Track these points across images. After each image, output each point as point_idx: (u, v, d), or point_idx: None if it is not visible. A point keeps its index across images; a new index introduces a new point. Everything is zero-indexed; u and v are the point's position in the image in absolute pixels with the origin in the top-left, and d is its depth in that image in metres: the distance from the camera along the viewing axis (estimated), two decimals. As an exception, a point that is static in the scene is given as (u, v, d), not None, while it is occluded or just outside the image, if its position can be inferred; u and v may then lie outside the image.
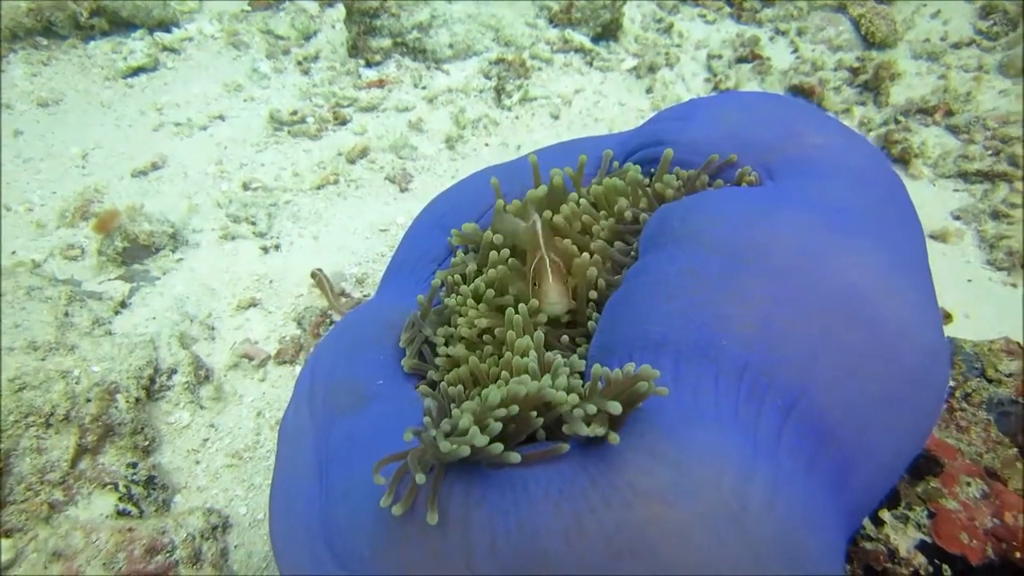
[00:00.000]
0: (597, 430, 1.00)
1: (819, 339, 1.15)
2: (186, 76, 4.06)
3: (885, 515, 1.48)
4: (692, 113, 1.66)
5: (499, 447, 1.01)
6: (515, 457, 1.02)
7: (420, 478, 1.00)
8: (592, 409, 1.00)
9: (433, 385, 1.50)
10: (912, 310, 1.22)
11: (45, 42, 4.18)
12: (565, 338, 1.43)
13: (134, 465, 2.16)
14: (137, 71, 4.06)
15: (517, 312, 1.42)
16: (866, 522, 1.46)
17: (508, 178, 1.77)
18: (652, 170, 1.63)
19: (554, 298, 1.37)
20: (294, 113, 3.70)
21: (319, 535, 1.19)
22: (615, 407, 0.98)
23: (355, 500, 1.14)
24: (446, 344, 1.52)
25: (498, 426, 1.02)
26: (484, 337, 1.48)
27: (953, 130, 4.03)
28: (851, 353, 1.15)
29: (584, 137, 1.99)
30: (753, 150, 1.52)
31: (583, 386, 1.10)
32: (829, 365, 1.14)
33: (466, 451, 0.99)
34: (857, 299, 1.19)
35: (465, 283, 1.59)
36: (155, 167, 3.43)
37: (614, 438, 0.99)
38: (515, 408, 1.05)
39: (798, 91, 4.19)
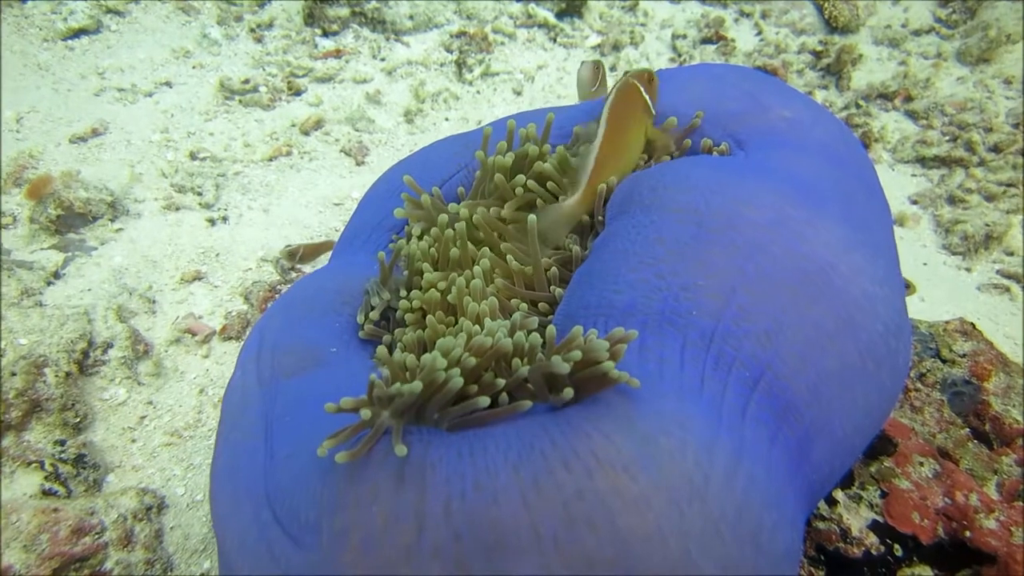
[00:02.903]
0: (562, 366, 0.99)
1: (782, 312, 1.15)
2: (131, 40, 3.89)
3: (839, 495, 1.48)
4: (660, 84, 1.63)
5: (459, 381, 0.99)
6: (484, 400, 1.00)
7: (365, 414, 0.98)
8: (576, 355, 0.99)
9: (390, 351, 1.46)
10: (875, 286, 1.22)
11: (-20, 1, 3.97)
12: (524, 306, 1.39)
13: (62, 443, 2.05)
14: (78, 33, 3.88)
15: (475, 276, 1.39)
16: (820, 502, 1.46)
17: (473, 147, 1.72)
18: None
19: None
20: (246, 82, 3.57)
21: (262, 498, 1.15)
22: (601, 345, 0.97)
23: (301, 461, 1.10)
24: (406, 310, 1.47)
25: (459, 380, 1.00)
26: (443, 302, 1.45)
27: (912, 115, 4.07)
28: (813, 327, 1.15)
29: (549, 107, 1.94)
30: (722, 121, 1.52)
31: (543, 347, 1.08)
32: (793, 338, 1.14)
33: (432, 375, 0.98)
34: (820, 273, 1.18)
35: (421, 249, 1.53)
36: (95, 133, 3.28)
37: (615, 373, 0.97)
38: (471, 360, 1.03)
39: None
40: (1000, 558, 1.35)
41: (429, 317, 1.39)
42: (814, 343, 1.15)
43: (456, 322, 1.40)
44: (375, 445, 1.00)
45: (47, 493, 1.94)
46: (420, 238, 1.56)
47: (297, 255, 2.42)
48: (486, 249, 1.47)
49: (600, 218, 1.44)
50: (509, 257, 1.43)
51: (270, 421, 1.29)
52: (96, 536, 1.83)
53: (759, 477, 1.04)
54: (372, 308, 1.48)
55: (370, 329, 1.47)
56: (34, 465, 1.98)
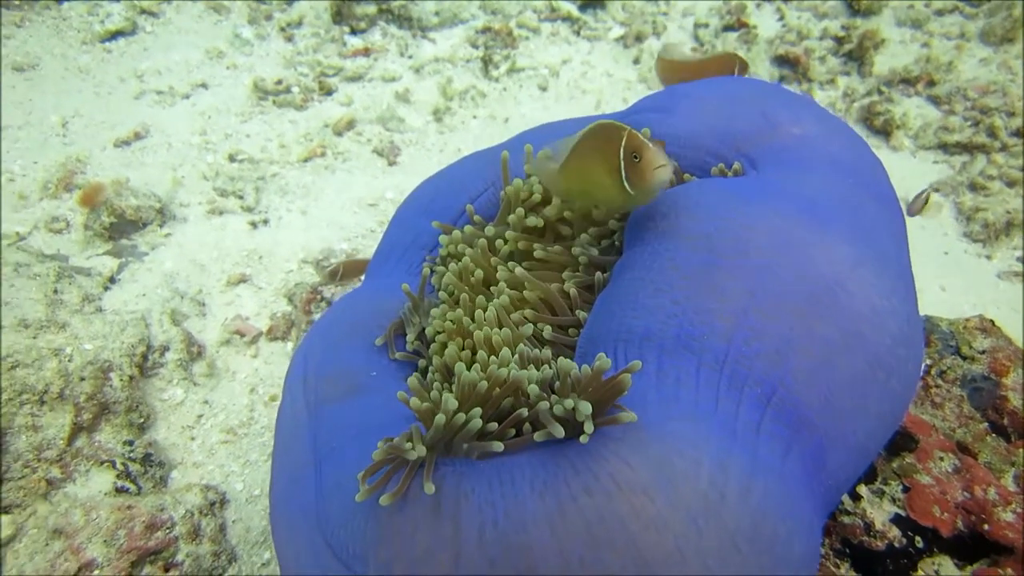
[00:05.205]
0: (557, 430, 1.04)
1: (792, 331, 1.19)
2: (166, 41, 3.98)
3: (862, 490, 1.52)
4: (673, 105, 1.65)
5: (477, 423, 1.06)
6: (497, 446, 1.07)
7: (421, 449, 1.04)
8: (569, 404, 1.04)
9: (424, 374, 1.52)
10: (883, 299, 1.26)
11: (17, 1, 4.05)
12: (548, 329, 1.44)
13: (130, 443, 2.19)
14: (115, 35, 3.97)
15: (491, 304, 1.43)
16: (844, 497, 1.50)
17: (495, 163, 1.75)
18: None
19: (661, 160, 1.27)
20: (279, 82, 3.65)
21: (315, 525, 1.22)
22: (585, 407, 1.01)
23: (347, 491, 1.16)
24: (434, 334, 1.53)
25: (477, 412, 1.07)
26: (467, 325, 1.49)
27: (934, 100, 4.06)
28: (824, 343, 1.19)
29: (569, 120, 1.98)
30: (734, 141, 1.54)
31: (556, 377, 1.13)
32: (804, 355, 1.18)
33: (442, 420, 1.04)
34: (828, 292, 1.22)
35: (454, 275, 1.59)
36: (138, 137, 3.38)
37: (585, 438, 1.03)
38: (483, 384, 1.08)
39: (784, 61, 4.19)
40: (1017, 550, 1.39)
41: (450, 345, 1.44)
42: (824, 358, 1.19)
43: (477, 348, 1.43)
44: (412, 480, 1.07)
45: (120, 491, 2.08)
46: (453, 260, 1.60)
47: (337, 274, 2.49)
48: (508, 275, 1.51)
49: (616, 244, 1.49)
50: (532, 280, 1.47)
51: (318, 447, 1.36)
52: (167, 531, 1.97)
53: (773, 490, 1.08)
54: (406, 332, 1.55)
55: (402, 354, 1.53)
56: (106, 464, 2.12)
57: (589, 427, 1.01)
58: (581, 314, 1.43)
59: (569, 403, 1.03)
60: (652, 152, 1.27)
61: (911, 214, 2.70)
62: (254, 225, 3.01)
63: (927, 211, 2.71)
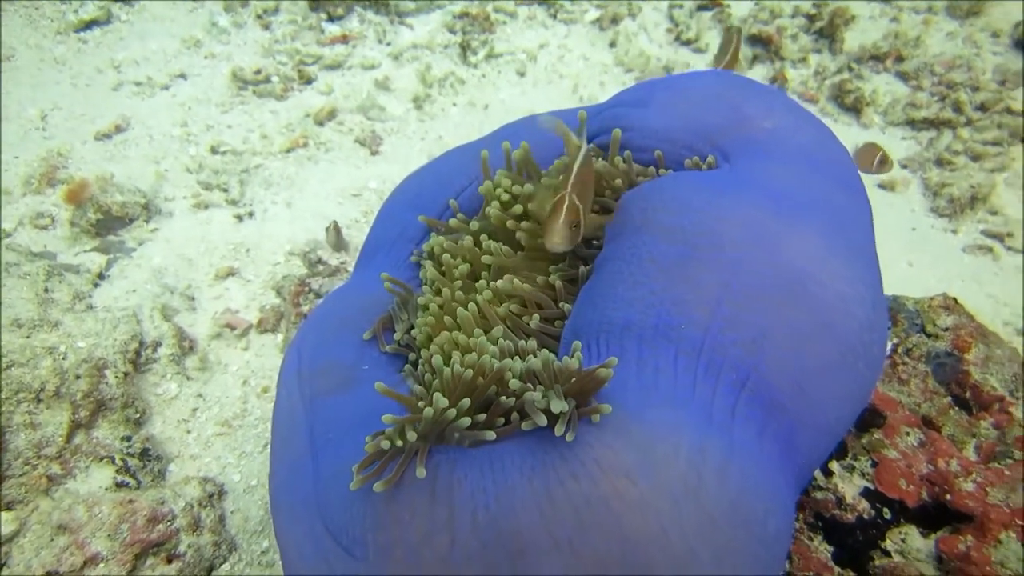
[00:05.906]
0: (541, 419, 1.09)
1: (764, 319, 1.24)
2: (142, 30, 3.94)
3: (834, 466, 1.60)
4: (649, 98, 1.69)
5: (467, 420, 1.11)
6: (489, 435, 1.12)
7: (411, 435, 1.09)
8: (543, 402, 1.09)
9: (415, 366, 1.57)
10: (850, 287, 1.32)
11: (-14, -9, 4.00)
12: (536, 318, 1.50)
13: (128, 438, 2.24)
14: (90, 24, 3.92)
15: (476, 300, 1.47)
16: (817, 473, 1.58)
17: (479, 157, 1.78)
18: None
19: (555, 239, 1.38)
20: (258, 72, 3.64)
21: (315, 514, 1.28)
22: (558, 405, 1.07)
23: (344, 480, 1.20)
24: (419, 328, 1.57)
25: (467, 403, 1.12)
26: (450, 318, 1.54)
27: (903, 76, 4.13)
28: (794, 330, 1.25)
29: (552, 112, 2.03)
30: (708, 135, 1.58)
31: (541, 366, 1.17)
32: (774, 342, 1.24)
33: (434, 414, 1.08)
34: (798, 282, 1.27)
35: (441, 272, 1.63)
36: (119, 129, 3.37)
37: (571, 436, 1.08)
38: (468, 373, 1.13)
39: (757, 40, 4.24)
40: (977, 517, 1.47)
41: (434, 340, 1.49)
42: (795, 345, 1.24)
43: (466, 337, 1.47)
44: (407, 469, 1.10)
45: (120, 485, 2.14)
46: (438, 256, 1.64)
47: (339, 232, 2.56)
48: (495, 259, 1.55)
49: (595, 241, 1.53)
50: (516, 280, 1.52)
51: (314, 438, 1.42)
52: (168, 523, 2.03)
53: (749, 471, 1.14)
54: (395, 329, 1.59)
55: (392, 347, 1.58)
56: (105, 460, 2.17)
57: (560, 429, 1.06)
58: (565, 306, 1.48)
59: (544, 399, 1.08)
60: (554, 228, 1.37)
61: (864, 171, 2.74)
62: (240, 218, 3.03)
63: (883, 168, 2.73)
